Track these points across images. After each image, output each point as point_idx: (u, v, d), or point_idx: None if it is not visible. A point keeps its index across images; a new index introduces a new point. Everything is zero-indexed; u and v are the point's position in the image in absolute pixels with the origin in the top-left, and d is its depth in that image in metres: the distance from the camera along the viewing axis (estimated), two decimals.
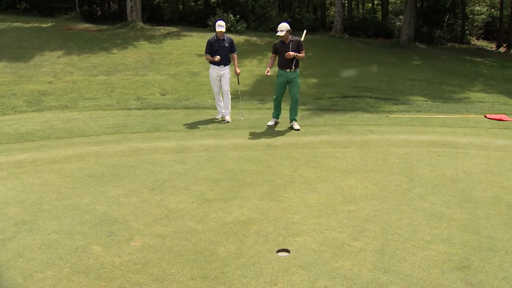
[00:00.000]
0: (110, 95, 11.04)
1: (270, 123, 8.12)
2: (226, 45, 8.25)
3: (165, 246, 3.55)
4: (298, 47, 7.60)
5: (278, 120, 8.20)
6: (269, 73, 7.72)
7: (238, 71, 8.58)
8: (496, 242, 3.61)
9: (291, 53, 7.48)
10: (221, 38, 8.23)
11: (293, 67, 7.69)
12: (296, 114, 7.92)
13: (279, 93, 7.94)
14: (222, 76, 8.35)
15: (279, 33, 7.47)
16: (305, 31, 8.46)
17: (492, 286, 3.00)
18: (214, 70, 8.30)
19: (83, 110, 9.63)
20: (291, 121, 7.93)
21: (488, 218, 4.07)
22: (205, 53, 8.39)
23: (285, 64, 7.69)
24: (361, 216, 4.12)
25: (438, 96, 11.74)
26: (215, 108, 9.08)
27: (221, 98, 8.57)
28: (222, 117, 8.64)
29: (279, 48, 7.73)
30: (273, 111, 8.23)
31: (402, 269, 3.20)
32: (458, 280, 3.05)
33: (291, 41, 7.62)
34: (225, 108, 8.54)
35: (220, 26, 8.15)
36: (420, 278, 3.08)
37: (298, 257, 3.38)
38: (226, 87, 8.40)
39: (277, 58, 7.96)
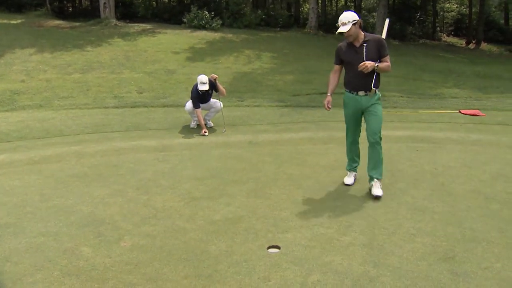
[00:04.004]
0: (86, 93, 10.85)
1: (349, 180, 4.95)
2: (210, 91, 7.57)
3: (156, 246, 3.54)
4: (378, 52, 4.44)
5: (357, 174, 5.04)
6: (330, 105, 4.73)
7: (214, 76, 7.50)
8: (477, 233, 3.74)
9: (369, 63, 4.32)
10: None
11: (372, 88, 4.50)
12: (379, 168, 4.61)
13: (352, 130, 4.85)
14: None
15: (341, 29, 4.38)
16: (387, 21, 4.95)
17: (477, 275, 3.11)
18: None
19: (59, 109, 9.43)
20: (370, 179, 4.66)
21: (468, 211, 4.20)
22: (195, 107, 7.37)
23: (356, 82, 4.53)
24: (347, 211, 4.20)
25: (413, 92, 11.98)
26: None
27: (197, 117, 7.50)
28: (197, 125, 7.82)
29: (346, 55, 4.58)
30: (347, 161, 5.05)
31: (390, 262, 3.28)
32: (445, 271, 3.15)
33: (365, 42, 4.46)
34: (209, 118, 7.85)
35: (203, 84, 7.18)
36: (409, 270, 3.17)
37: (289, 253, 3.43)
38: (219, 106, 7.70)
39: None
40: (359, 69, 4.35)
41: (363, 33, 4.51)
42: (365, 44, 4.46)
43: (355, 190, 4.73)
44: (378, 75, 4.53)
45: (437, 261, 3.29)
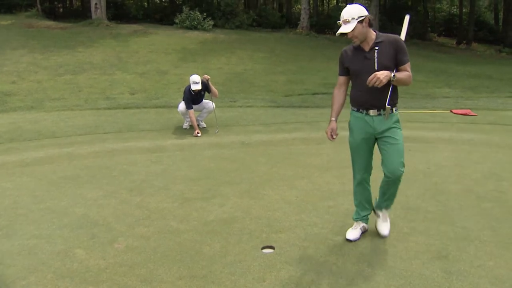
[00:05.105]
0: (77, 94, 10.80)
1: (353, 234, 3.65)
2: (202, 93, 7.58)
3: (150, 247, 3.53)
4: (395, 57, 3.30)
5: (367, 226, 3.77)
6: (334, 134, 3.64)
7: (207, 77, 7.47)
8: (470, 232, 3.76)
9: (381, 75, 3.13)
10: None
11: (387, 106, 3.29)
12: (390, 200, 3.64)
13: (362, 165, 3.62)
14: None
15: (342, 29, 3.25)
16: (407, 17, 3.66)
17: (469, 274, 3.13)
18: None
19: (50, 111, 9.38)
20: (377, 208, 3.73)
21: (461, 210, 4.23)
22: (187, 108, 7.33)
23: (367, 98, 3.39)
24: (340, 211, 4.21)
25: (405, 92, 12.01)
26: None
27: (190, 118, 7.50)
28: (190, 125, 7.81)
29: (352, 63, 3.42)
30: (355, 208, 3.78)
31: (384, 261, 3.29)
32: (438, 270, 3.17)
33: (376, 45, 3.29)
34: (202, 119, 7.86)
35: (196, 84, 7.17)
36: (402, 269, 3.19)
37: (283, 253, 3.43)
38: (212, 107, 7.71)
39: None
40: (369, 84, 3.17)
41: (374, 32, 3.33)
42: (376, 48, 3.28)
43: (348, 190, 4.72)
44: (395, 88, 3.37)
45: (430, 260, 3.31)
